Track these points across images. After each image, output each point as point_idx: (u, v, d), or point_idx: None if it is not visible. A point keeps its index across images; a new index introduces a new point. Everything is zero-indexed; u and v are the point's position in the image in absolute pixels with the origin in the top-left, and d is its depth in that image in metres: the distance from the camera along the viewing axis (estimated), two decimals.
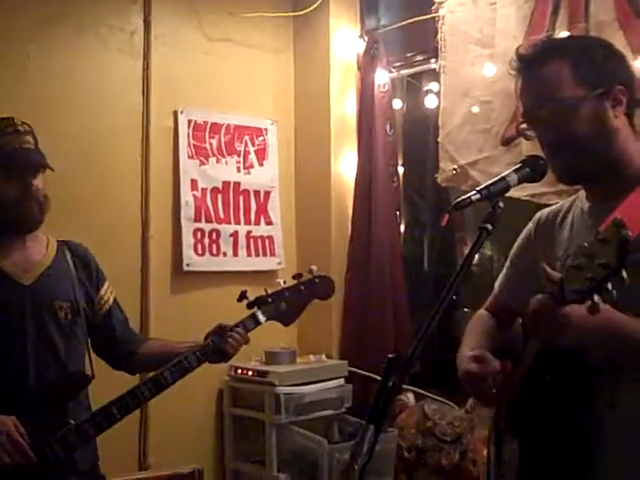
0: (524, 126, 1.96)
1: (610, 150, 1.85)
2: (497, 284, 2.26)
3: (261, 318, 2.61)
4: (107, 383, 2.59)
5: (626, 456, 1.75)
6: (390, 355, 1.61)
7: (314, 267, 2.72)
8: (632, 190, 1.75)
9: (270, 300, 2.62)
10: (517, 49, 1.97)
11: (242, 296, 2.60)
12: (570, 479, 1.80)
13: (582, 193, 2.00)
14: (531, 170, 1.89)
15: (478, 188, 1.82)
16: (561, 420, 1.80)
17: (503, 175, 1.86)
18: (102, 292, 2.71)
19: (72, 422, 2.41)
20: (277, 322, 2.67)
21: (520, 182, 1.88)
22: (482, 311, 2.28)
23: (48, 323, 2.52)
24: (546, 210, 2.13)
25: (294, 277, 2.70)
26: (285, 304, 2.64)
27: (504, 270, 2.24)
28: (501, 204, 1.81)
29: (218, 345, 2.55)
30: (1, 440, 2.30)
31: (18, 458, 2.31)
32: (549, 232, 2.05)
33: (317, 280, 2.69)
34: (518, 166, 1.89)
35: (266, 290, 2.64)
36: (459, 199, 1.80)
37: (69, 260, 2.65)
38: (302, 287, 2.66)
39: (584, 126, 1.82)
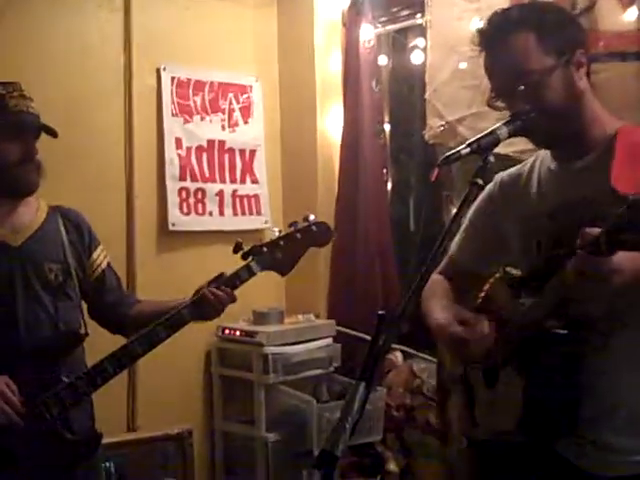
0: (494, 98, 1.96)
1: (580, 113, 1.89)
2: (453, 245, 2.22)
3: (255, 268, 2.54)
4: (104, 343, 2.56)
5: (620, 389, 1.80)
6: (380, 312, 1.58)
7: (310, 215, 2.62)
8: (595, 148, 1.85)
9: (265, 249, 2.54)
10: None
11: (237, 247, 2.52)
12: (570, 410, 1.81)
13: (544, 153, 2.02)
14: (522, 123, 1.86)
15: (468, 142, 1.79)
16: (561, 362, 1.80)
17: (493, 128, 1.84)
18: (95, 255, 2.69)
19: (65, 379, 2.40)
20: (273, 272, 2.60)
21: (510, 136, 1.86)
22: (437, 276, 2.22)
23: (37, 284, 2.50)
24: (506, 172, 2.13)
25: (290, 225, 2.60)
26: (281, 253, 2.55)
27: (461, 231, 2.20)
28: (491, 158, 1.78)
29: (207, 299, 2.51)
30: None
31: (10, 416, 2.30)
32: (514, 192, 2.05)
33: (313, 227, 2.60)
34: (508, 119, 1.87)
35: (261, 239, 2.60)
36: (449, 153, 1.78)
37: (60, 223, 2.63)
38: (298, 235, 2.57)
39: (556, 94, 1.84)
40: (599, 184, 1.77)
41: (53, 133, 2.59)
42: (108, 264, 2.74)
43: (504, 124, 1.85)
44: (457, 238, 2.21)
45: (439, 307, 2.09)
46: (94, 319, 2.74)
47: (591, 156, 1.87)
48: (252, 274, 2.55)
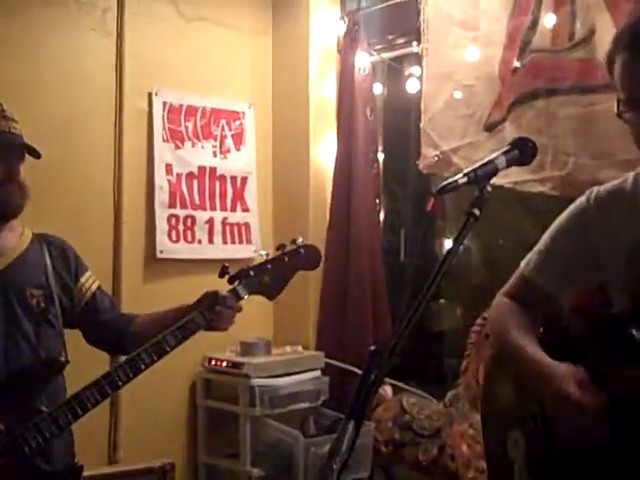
0: (622, 110, 1.82)
1: None
2: (528, 264, 2.05)
3: (242, 292, 2.49)
4: (85, 374, 2.47)
5: None
6: (372, 347, 1.52)
7: (299, 237, 2.59)
8: None
9: (252, 273, 2.50)
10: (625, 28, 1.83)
11: (223, 271, 2.49)
12: None
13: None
14: (520, 152, 1.80)
15: (465, 171, 1.72)
16: None
17: (491, 158, 1.77)
18: (82, 280, 2.63)
19: (45, 410, 2.32)
20: (261, 296, 2.55)
21: (509, 165, 1.79)
22: (505, 300, 2.07)
23: (18, 310, 2.44)
24: (602, 187, 1.98)
25: (278, 248, 2.57)
26: (268, 277, 2.51)
27: (540, 249, 2.04)
28: (489, 188, 1.71)
29: (201, 322, 2.44)
30: None
31: None
32: (617, 209, 1.91)
33: (302, 250, 2.56)
34: (507, 148, 1.81)
35: (247, 264, 2.53)
36: (445, 182, 1.70)
37: (45, 251, 2.57)
38: (286, 258, 2.54)
39: None
40: None
41: (36, 154, 2.52)
42: (99, 287, 2.68)
43: (502, 153, 1.78)
44: (533, 257, 2.05)
45: (532, 344, 1.92)
46: (92, 344, 2.69)
47: None
48: (239, 298, 2.50)
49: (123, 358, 2.47)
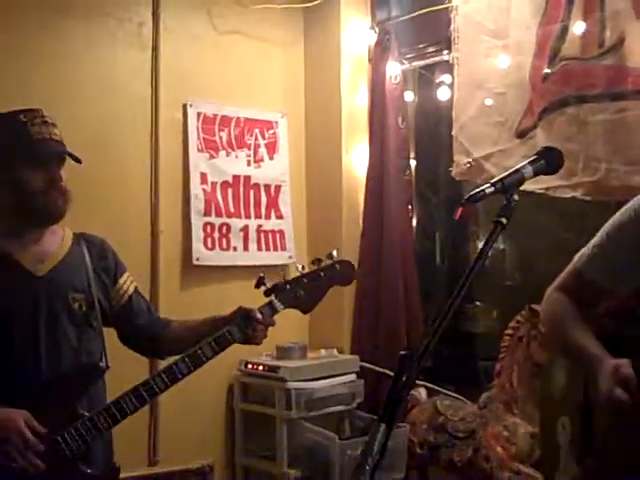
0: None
1: None
2: (581, 258, 2.11)
3: (278, 306, 2.53)
4: (125, 376, 2.55)
5: None
6: (402, 352, 1.58)
7: (334, 252, 2.61)
8: None
9: (288, 287, 2.53)
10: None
11: (259, 282, 2.52)
12: None
13: None
14: (546, 162, 1.86)
15: (492, 181, 1.78)
16: None
17: (518, 167, 1.83)
18: (121, 282, 2.68)
19: (85, 414, 2.38)
20: (295, 310, 2.58)
21: (535, 174, 1.85)
22: (559, 295, 2.13)
23: (61, 315, 2.48)
24: None
25: (313, 262, 2.59)
26: (304, 291, 2.54)
27: (594, 245, 2.10)
28: (516, 197, 1.77)
29: (237, 336, 2.50)
30: (12, 440, 2.27)
31: (31, 461, 2.28)
32: None
33: (337, 265, 2.59)
34: (533, 158, 1.87)
35: (284, 276, 2.56)
36: (473, 192, 1.77)
37: (85, 251, 2.61)
38: (321, 273, 2.56)
39: None
40: None
41: (76, 160, 2.57)
42: (135, 289, 2.73)
43: (529, 163, 1.84)
44: (587, 251, 2.11)
45: (592, 341, 1.99)
46: (126, 344, 2.73)
47: None
48: (275, 312, 2.53)
49: (161, 363, 2.52)
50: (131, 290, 2.70)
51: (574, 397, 2.03)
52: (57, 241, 2.58)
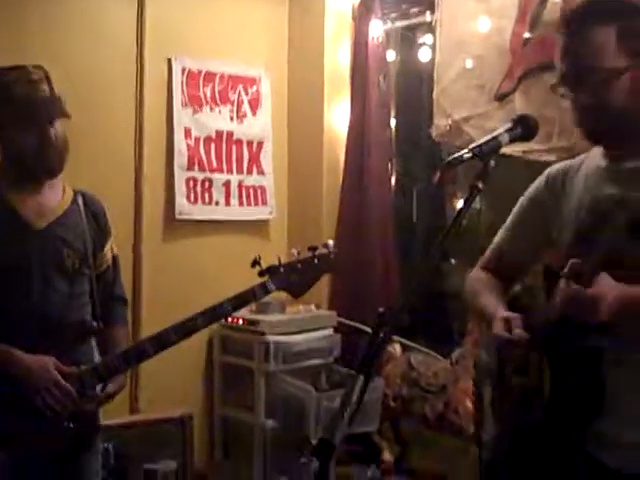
0: (558, 84, 1.98)
1: (638, 117, 1.92)
2: (498, 239, 2.26)
3: (271, 287, 2.59)
4: None
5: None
6: (380, 309, 1.65)
7: (330, 241, 2.68)
8: None
9: (282, 270, 2.59)
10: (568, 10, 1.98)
11: (255, 262, 2.55)
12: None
13: (596, 151, 2.05)
14: (522, 130, 1.92)
15: (470, 147, 1.85)
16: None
17: (495, 134, 1.89)
18: (106, 249, 2.73)
19: (75, 370, 2.44)
20: (286, 293, 2.67)
21: (512, 141, 1.92)
22: (479, 272, 2.27)
23: (54, 269, 2.53)
24: (555, 166, 2.17)
25: (309, 249, 2.64)
26: (297, 276, 2.60)
27: (508, 224, 2.25)
28: (492, 162, 1.84)
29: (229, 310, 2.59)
30: (51, 389, 2.38)
31: (65, 404, 2.39)
32: (561, 186, 2.10)
33: (332, 255, 2.66)
34: (509, 126, 1.93)
35: (279, 259, 2.61)
36: (451, 157, 1.83)
37: (83, 210, 2.65)
38: (316, 260, 2.63)
39: (621, 95, 1.88)
40: None
41: (65, 115, 2.58)
42: (113, 259, 2.77)
43: (505, 130, 1.91)
44: (502, 231, 2.25)
45: (494, 300, 2.13)
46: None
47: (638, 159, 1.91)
48: (267, 292, 2.60)
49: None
50: (110, 261, 2.75)
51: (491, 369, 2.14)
52: (57, 196, 2.61)
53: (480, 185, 1.81)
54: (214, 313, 2.56)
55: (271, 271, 2.58)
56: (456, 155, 1.83)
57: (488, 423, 2.13)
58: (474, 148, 1.84)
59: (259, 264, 2.55)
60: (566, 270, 1.70)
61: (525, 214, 2.21)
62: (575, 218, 1.99)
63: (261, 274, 2.57)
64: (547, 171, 2.18)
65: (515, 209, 2.24)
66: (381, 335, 1.64)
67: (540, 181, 2.18)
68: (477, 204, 4.46)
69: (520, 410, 1.99)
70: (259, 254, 2.55)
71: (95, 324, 2.60)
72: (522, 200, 2.22)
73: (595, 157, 2.05)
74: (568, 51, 1.94)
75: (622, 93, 1.88)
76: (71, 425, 2.46)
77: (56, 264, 2.54)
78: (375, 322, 1.65)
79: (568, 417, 1.87)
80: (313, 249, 2.63)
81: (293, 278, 2.60)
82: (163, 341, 2.52)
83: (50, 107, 2.54)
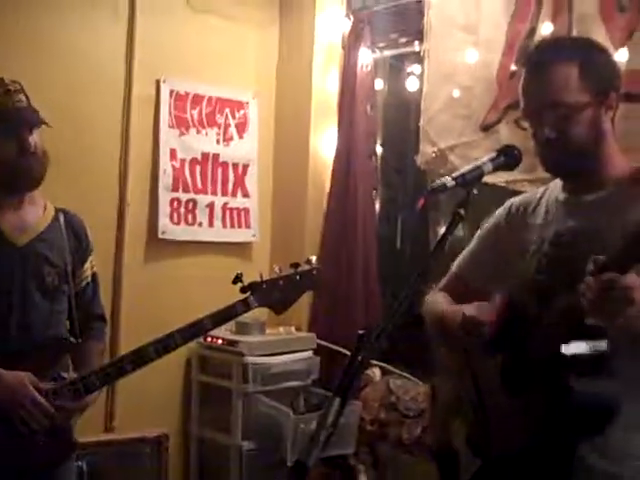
0: (520, 118, 2.05)
1: (598, 152, 1.98)
2: (458, 263, 2.32)
3: (252, 303, 2.58)
4: None
5: None
6: (360, 331, 1.67)
7: (313, 258, 2.68)
8: (606, 186, 1.95)
9: (264, 287, 2.58)
10: (530, 47, 2.03)
11: (237, 279, 2.54)
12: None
13: (555, 184, 2.11)
14: (505, 159, 1.97)
15: (454, 175, 1.89)
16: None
17: (478, 164, 1.93)
18: (86, 266, 2.73)
19: (49, 386, 2.43)
20: (268, 309, 2.67)
21: (495, 170, 1.96)
22: (437, 292, 2.33)
23: (34, 286, 2.54)
24: (517, 198, 2.23)
25: (291, 266, 2.63)
26: (279, 293, 2.59)
27: (469, 250, 2.31)
28: (475, 191, 1.88)
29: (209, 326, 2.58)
30: (26, 404, 2.36)
31: (39, 420, 2.38)
32: (521, 218, 2.15)
33: (314, 271, 2.65)
34: (493, 155, 1.97)
35: (261, 276, 2.60)
36: (434, 185, 1.87)
37: (63, 228, 2.65)
38: (298, 277, 2.62)
39: (582, 130, 1.94)
40: (606, 219, 1.89)
41: (44, 123, 2.60)
42: (93, 276, 2.77)
43: (489, 160, 1.95)
44: (464, 256, 2.31)
45: (447, 307, 2.21)
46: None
47: (602, 192, 1.96)
48: (249, 309, 2.59)
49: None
50: (89, 278, 2.75)
51: (463, 393, 2.16)
52: (38, 213, 2.62)
53: (462, 212, 1.84)
54: (194, 329, 2.55)
55: (253, 288, 2.57)
56: (439, 183, 1.86)
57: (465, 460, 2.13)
58: (457, 177, 1.88)
59: (241, 281, 2.54)
60: (591, 267, 1.69)
61: (484, 243, 2.27)
62: (536, 250, 2.03)
63: (243, 290, 2.56)
64: (509, 203, 2.23)
65: (475, 237, 2.30)
66: (359, 358, 1.65)
67: (500, 213, 2.24)
68: (460, 231, 4.49)
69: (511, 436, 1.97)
70: (242, 274, 2.55)
71: (73, 340, 2.61)
72: (483, 229, 2.27)
73: (555, 190, 2.10)
74: (531, 85, 2.01)
75: (583, 128, 1.94)
76: (44, 440, 2.43)
77: (37, 281, 2.55)
78: (354, 344, 1.67)
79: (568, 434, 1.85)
80: (295, 266, 2.63)
81: (275, 295, 2.59)
82: (142, 357, 2.51)
83: (28, 116, 2.56)
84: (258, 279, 2.58)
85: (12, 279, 2.50)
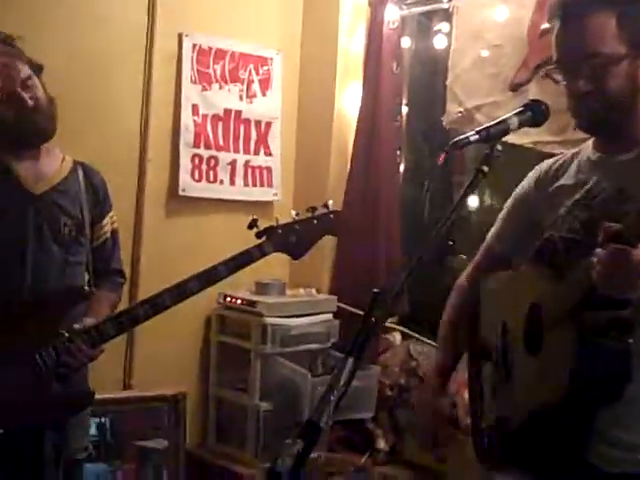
0: (553, 69, 1.96)
1: (632, 108, 1.89)
2: (492, 235, 2.24)
3: (268, 249, 2.53)
4: None
5: None
6: (375, 290, 1.61)
7: (330, 201, 2.60)
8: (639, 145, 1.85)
9: (280, 231, 2.53)
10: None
11: (252, 223, 2.50)
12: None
13: (587, 145, 2.02)
14: (532, 114, 1.89)
15: (477, 129, 1.81)
16: None
17: (504, 118, 1.86)
18: (104, 222, 2.72)
19: (65, 334, 2.42)
20: (285, 254, 2.60)
21: (521, 126, 1.89)
22: (461, 286, 2.29)
23: (50, 235, 2.53)
24: (546, 162, 2.14)
25: (308, 210, 2.58)
26: (295, 237, 2.54)
27: (500, 220, 2.23)
28: (499, 147, 1.81)
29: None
30: None
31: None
32: (551, 181, 2.06)
33: (331, 215, 2.59)
34: (520, 110, 1.90)
35: (277, 220, 2.55)
36: (457, 138, 1.80)
37: (81, 180, 2.64)
38: (314, 221, 2.56)
39: (618, 83, 1.84)
40: (638, 180, 1.80)
41: (38, 65, 2.56)
42: (112, 232, 2.76)
43: (515, 114, 1.87)
44: (496, 228, 2.23)
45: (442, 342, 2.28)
46: None
47: (634, 152, 1.88)
48: (264, 254, 2.53)
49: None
50: (108, 234, 2.74)
51: (493, 337, 2.08)
52: (55, 164, 2.61)
53: (485, 169, 1.78)
54: (209, 276, 2.50)
55: (269, 232, 2.52)
56: (462, 136, 1.80)
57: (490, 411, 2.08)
58: (481, 131, 1.81)
59: (256, 226, 2.50)
60: (601, 235, 1.61)
61: (515, 209, 2.19)
62: (567, 212, 1.95)
63: (258, 235, 2.52)
64: (537, 167, 2.15)
65: (505, 207, 2.22)
66: (374, 317, 1.60)
67: (529, 178, 2.15)
68: (488, 199, 4.42)
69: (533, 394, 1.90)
70: (257, 219, 2.50)
71: (87, 289, 2.60)
72: (513, 196, 2.19)
73: (586, 150, 2.02)
74: (566, 35, 1.90)
75: (620, 81, 1.85)
76: (61, 390, 2.43)
77: (52, 230, 2.54)
78: (369, 303, 1.61)
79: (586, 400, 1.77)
80: (313, 210, 2.57)
81: (292, 239, 2.54)
82: (156, 304, 2.48)
83: (15, 72, 2.49)
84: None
85: (27, 227, 2.50)
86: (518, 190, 2.18)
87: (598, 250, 1.62)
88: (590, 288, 1.66)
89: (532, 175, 2.15)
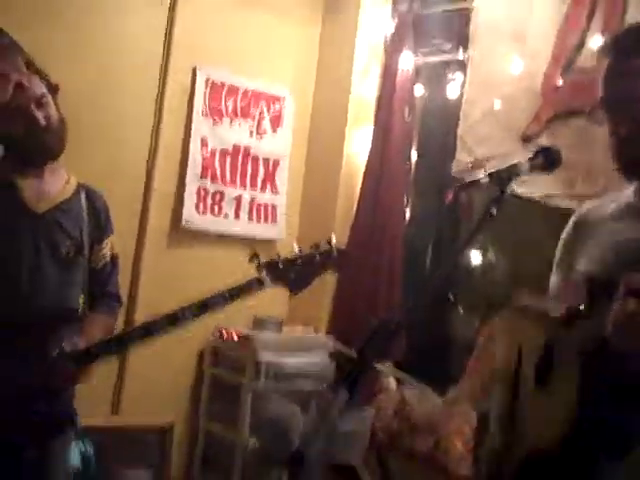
0: (594, 110, 1.94)
1: None
2: (553, 285, 2.15)
3: (267, 283, 2.48)
4: None
5: None
6: (372, 323, 1.59)
7: (333, 238, 2.56)
8: None
9: (281, 266, 2.48)
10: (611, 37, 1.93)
11: (253, 257, 2.46)
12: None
13: (626, 191, 1.97)
14: (544, 159, 1.87)
15: (489, 171, 1.79)
16: None
17: (515, 162, 1.85)
18: (103, 245, 2.69)
19: (54, 355, 2.37)
20: (284, 289, 2.54)
21: (532, 170, 1.87)
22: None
23: (48, 255, 2.50)
24: (583, 207, 2.09)
25: (311, 247, 2.53)
26: (295, 273, 2.49)
27: (554, 269, 2.14)
28: (509, 190, 1.79)
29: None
30: None
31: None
32: (589, 224, 2.01)
33: (334, 252, 2.54)
34: (531, 155, 1.88)
35: (278, 255, 2.51)
36: (467, 180, 1.78)
37: (83, 203, 2.63)
38: (317, 256, 2.51)
39: None
40: None
41: (49, 82, 2.57)
42: (111, 257, 2.73)
43: (527, 160, 1.86)
44: (552, 283, 2.14)
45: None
46: None
47: None
48: (263, 286, 2.49)
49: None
50: (108, 258, 2.71)
51: (508, 365, 2.03)
52: (59, 183, 2.60)
53: (494, 211, 1.75)
54: (205, 304, 2.47)
55: (269, 266, 2.48)
56: (473, 178, 1.78)
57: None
58: (492, 173, 1.79)
59: (257, 259, 2.47)
60: (622, 287, 1.58)
61: (563, 256, 2.11)
62: (602, 257, 1.90)
63: (259, 268, 2.48)
64: (579, 210, 2.10)
65: (555, 260, 2.14)
66: (369, 351, 1.58)
67: (569, 225, 2.09)
68: (491, 255, 4.39)
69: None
70: (258, 253, 2.47)
71: (81, 311, 2.56)
72: (560, 242, 2.13)
73: (626, 195, 1.97)
74: (615, 74, 1.87)
75: None
76: (43, 409, 2.39)
77: (51, 249, 2.51)
78: (366, 337, 1.59)
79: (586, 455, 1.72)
80: (315, 246, 2.53)
81: (291, 275, 2.49)
82: (149, 330, 2.44)
83: (31, 92, 2.50)
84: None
85: (26, 244, 2.47)
86: (561, 242, 2.11)
87: (617, 303, 1.58)
88: (603, 339, 1.63)
89: (573, 219, 2.09)
